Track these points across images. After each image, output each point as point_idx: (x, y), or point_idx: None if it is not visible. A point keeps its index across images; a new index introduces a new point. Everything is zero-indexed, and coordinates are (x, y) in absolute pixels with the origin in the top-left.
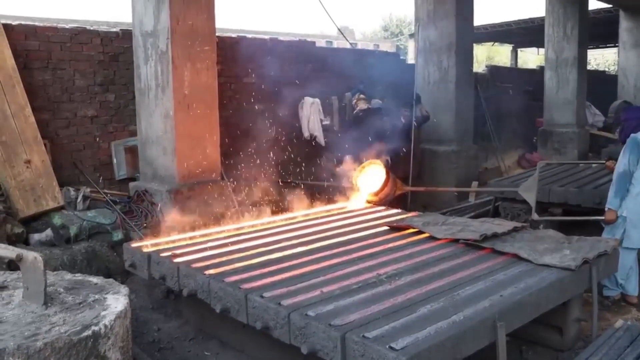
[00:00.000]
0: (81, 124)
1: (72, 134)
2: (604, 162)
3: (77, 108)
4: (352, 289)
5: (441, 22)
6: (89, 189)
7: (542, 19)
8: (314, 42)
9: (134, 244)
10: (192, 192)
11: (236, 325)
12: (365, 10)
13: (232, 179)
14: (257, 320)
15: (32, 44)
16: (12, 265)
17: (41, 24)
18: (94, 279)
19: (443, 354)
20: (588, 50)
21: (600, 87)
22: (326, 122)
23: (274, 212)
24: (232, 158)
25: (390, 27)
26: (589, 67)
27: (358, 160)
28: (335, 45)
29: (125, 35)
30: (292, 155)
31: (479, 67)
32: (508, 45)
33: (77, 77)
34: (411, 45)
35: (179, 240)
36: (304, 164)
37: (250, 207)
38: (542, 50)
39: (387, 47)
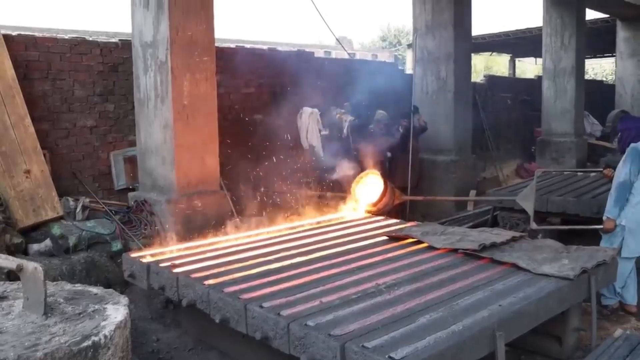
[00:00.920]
0: (80, 134)
1: (71, 144)
2: (602, 170)
3: (77, 118)
4: (352, 299)
5: (439, 32)
6: (88, 199)
7: (539, 29)
8: (312, 52)
9: (133, 254)
10: (191, 202)
11: (235, 336)
12: (364, 21)
13: (231, 189)
14: (257, 331)
15: (32, 55)
16: (12, 275)
17: (41, 35)
18: (94, 289)
19: None
20: (586, 60)
21: (598, 96)
22: (325, 133)
23: (273, 222)
24: (231, 168)
25: (389, 37)
26: (586, 77)
27: (356, 171)
28: (333, 55)
29: (125, 46)
30: (291, 165)
31: (477, 76)
32: (506, 55)
33: (77, 88)
34: (409, 55)
35: (178, 250)
36: (301, 174)
37: (249, 217)
38: (540, 60)
39: (385, 57)
